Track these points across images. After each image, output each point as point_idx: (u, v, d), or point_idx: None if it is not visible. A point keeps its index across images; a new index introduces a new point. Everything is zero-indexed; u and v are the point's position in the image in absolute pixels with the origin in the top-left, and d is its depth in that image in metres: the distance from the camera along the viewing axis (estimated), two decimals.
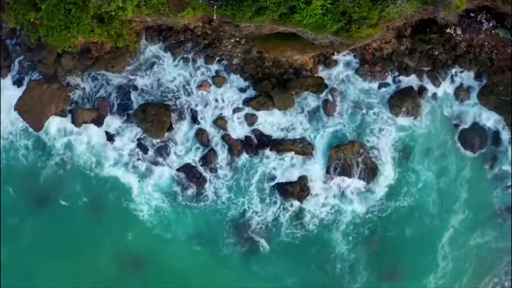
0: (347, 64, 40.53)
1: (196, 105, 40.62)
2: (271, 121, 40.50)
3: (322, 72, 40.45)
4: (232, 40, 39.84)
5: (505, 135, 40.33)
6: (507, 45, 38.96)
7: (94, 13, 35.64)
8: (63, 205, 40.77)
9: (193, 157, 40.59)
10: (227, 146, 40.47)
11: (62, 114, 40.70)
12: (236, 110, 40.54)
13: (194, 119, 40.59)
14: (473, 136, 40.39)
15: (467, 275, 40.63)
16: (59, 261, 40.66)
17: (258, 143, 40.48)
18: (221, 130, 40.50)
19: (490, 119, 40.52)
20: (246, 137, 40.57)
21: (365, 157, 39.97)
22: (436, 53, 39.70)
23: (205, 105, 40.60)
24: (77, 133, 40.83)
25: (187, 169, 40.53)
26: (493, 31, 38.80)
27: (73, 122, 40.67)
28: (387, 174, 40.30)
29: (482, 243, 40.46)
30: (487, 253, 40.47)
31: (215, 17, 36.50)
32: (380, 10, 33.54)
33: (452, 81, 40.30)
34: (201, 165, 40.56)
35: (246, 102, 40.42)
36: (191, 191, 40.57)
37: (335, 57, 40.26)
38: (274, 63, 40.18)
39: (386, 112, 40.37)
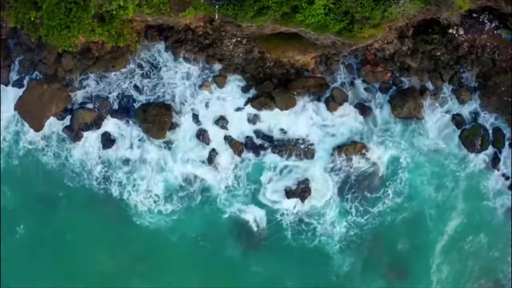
0: (349, 65, 40.38)
1: (197, 105, 40.48)
2: (272, 121, 40.34)
3: (323, 73, 40.34)
4: (234, 40, 39.73)
5: (506, 136, 40.18)
6: (509, 45, 38.84)
7: (95, 12, 35.61)
8: (64, 205, 40.89)
9: (195, 157, 40.50)
10: (228, 146, 40.34)
11: (62, 114, 40.67)
12: (237, 110, 40.42)
13: (196, 119, 40.45)
14: (474, 136, 40.22)
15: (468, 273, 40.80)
16: (60, 260, 40.75)
17: (260, 143, 40.38)
18: (223, 130, 40.36)
19: (491, 120, 40.36)
20: (248, 137, 40.46)
21: (367, 158, 39.88)
22: (438, 53, 39.57)
23: (206, 105, 40.49)
24: (77, 132, 40.78)
25: (188, 169, 40.54)
26: (495, 32, 38.68)
27: (72, 122, 40.60)
28: (389, 173, 40.21)
29: (481, 244, 40.36)
30: (485, 254, 40.40)
31: (216, 17, 36.40)
32: (382, 10, 33.50)
33: (454, 81, 40.13)
34: (202, 165, 40.48)
35: (248, 102, 40.30)
36: (192, 191, 40.47)
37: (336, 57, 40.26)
38: (276, 63, 40.07)
39: (387, 111, 40.25)
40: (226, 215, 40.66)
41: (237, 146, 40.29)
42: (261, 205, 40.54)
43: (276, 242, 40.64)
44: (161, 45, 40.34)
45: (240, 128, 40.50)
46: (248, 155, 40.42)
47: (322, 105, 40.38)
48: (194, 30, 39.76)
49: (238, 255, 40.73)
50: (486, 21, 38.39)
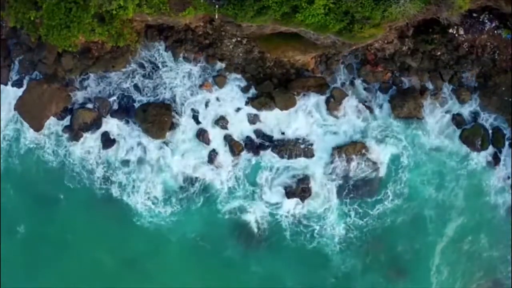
0: (349, 65, 40.32)
1: (197, 105, 40.45)
2: (272, 121, 40.31)
3: (323, 73, 40.28)
4: (234, 40, 39.69)
5: (506, 136, 40.14)
6: (510, 45, 38.79)
7: (95, 12, 35.63)
8: (64, 205, 40.88)
9: (195, 157, 40.47)
10: (228, 146, 40.32)
11: (62, 114, 40.65)
12: (237, 110, 40.39)
13: (195, 119, 40.42)
14: (475, 136, 40.19)
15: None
16: (60, 260, 40.78)
17: (260, 143, 40.36)
18: (223, 130, 40.33)
19: (491, 120, 40.32)
20: (248, 137, 40.44)
21: (367, 158, 39.87)
22: (439, 53, 39.53)
23: (206, 105, 40.46)
24: (77, 132, 40.75)
25: (188, 169, 40.50)
26: (495, 32, 38.64)
27: (72, 122, 40.59)
28: (389, 172, 40.18)
29: (481, 243, 40.34)
30: (485, 254, 40.37)
31: (216, 17, 36.35)
32: (383, 10, 33.45)
33: (454, 81, 40.08)
34: (202, 165, 40.48)
35: (248, 102, 40.26)
36: (192, 191, 40.44)
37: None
38: (276, 63, 40.03)
39: (388, 111, 40.21)
40: (226, 216, 40.62)
41: (237, 146, 40.26)
42: (260, 205, 40.49)
43: (275, 243, 40.59)
44: (161, 45, 40.32)
45: (240, 128, 40.46)
46: (248, 155, 40.39)
47: (322, 105, 40.34)
48: (194, 30, 39.73)
49: (237, 256, 40.67)
50: (486, 21, 38.32)
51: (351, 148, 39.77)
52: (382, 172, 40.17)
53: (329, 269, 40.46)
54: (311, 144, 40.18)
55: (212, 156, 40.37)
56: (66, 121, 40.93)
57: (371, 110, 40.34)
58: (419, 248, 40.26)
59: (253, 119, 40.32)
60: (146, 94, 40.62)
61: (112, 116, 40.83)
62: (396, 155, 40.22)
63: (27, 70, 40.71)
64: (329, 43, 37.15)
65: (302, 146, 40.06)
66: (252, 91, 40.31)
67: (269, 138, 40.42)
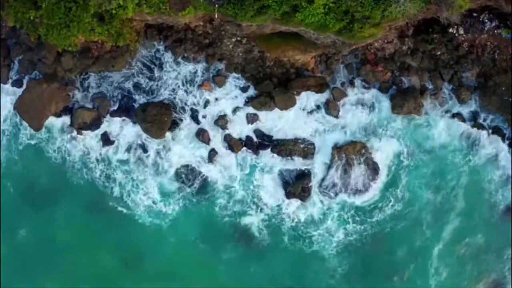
0: (349, 65, 40.28)
1: (197, 104, 40.43)
2: (272, 121, 40.26)
3: (323, 72, 40.25)
4: (233, 40, 39.65)
5: (506, 136, 40.12)
6: (510, 45, 38.78)
7: (95, 11, 35.59)
8: (64, 205, 40.85)
9: (194, 157, 40.45)
10: (228, 146, 40.28)
11: (62, 113, 40.62)
12: (237, 109, 40.37)
13: (195, 119, 40.39)
14: (475, 136, 40.15)
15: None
16: (59, 260, 40.70)
17: (259, 143, 40.36)
18: (222, 130, 40.30)
19: (491, 120, 40.30)
20: (247, 137, 40.42)
21: (367, 158, 39.83)
22: (439, 53, 39.52)
23: (206, 105, 40.42)
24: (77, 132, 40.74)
25: (188, 169, 40.48)
26: (495, 31, 38.65)
27: (72, 121, 40.57)
28: (389, 172, 40.20)
29: (480, 243, 40.38)
30: (485, 252, 40.43)
31: (216, 16, 36.37)
32: (383, 10, 33.51)
33: (454, 81, 40.08)
34: (202, 165, 40.47)
35: (247, 102, 40.24)
36: (192, 191, 40.43)
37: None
38: (276, 63, 40.01)
39: (388, 111, 40.17)
40: (225, 216, 40.62)
41: (236, 146, 40.23)
42: (260, 205, 40.46)
43: (274, 244, 40.57)
44: (160, 45, 40.27)
45: (239, 127, 40.44)
46: (248, 154, 40.36)
47: (321, 105, 40.34)
48: (193, 30, 39.68)
49: (237, 257, 40.68)
50: (486, 21, 38.35)
51: (351, 148, 39.73)
52: (382, 171, 40.14)
53: (328, 271, 40.47)
54: (311, 144, 40.16)
55: (211, 156, 40.35)
56: (66, 120, 40.87)
57: (371, 110, 40.28)
58: (418, 250, 40.36)
59: (252, 119, 40.30)
60: (146, 93, 40.58)
61: (111, 115, 40.79)
62: (396, 154, 40.25)
63: (27, 70, 40.67)
64: (329, 42, 37.13)
65: (301, 146, 40.04)
66: (252, 90, 40.29)
67: (269, 138, 40.41)
